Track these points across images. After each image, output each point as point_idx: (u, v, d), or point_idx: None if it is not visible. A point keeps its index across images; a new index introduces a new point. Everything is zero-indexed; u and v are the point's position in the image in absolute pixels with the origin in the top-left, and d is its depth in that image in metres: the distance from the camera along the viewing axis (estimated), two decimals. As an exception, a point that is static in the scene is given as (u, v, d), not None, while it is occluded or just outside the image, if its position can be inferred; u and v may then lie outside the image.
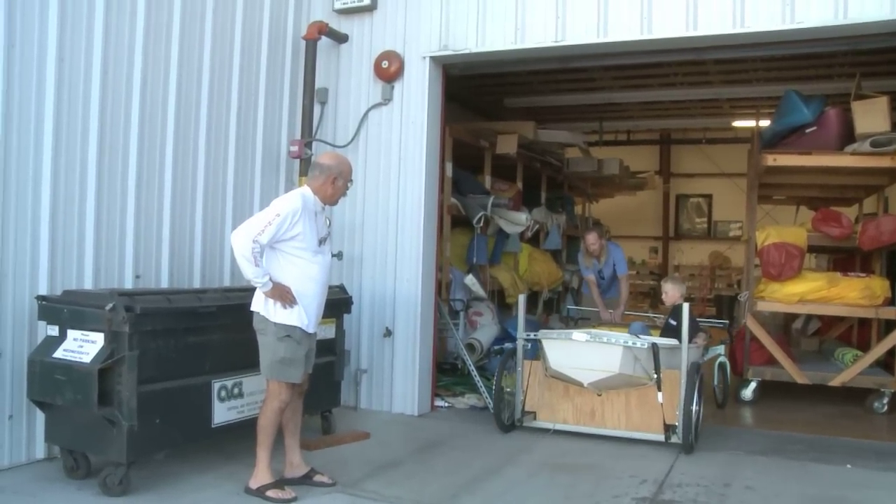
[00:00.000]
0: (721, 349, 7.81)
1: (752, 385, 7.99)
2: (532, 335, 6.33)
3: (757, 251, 7.91)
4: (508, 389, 6.39)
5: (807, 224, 8.22)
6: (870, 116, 7.26)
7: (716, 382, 7.71)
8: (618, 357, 5.73)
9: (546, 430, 6.25)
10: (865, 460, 5.78)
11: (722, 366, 7.80)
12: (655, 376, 5.82)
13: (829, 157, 7.57)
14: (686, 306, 6.01)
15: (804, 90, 8.18)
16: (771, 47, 6.93)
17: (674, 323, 6.31)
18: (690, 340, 6.15)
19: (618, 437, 6.07)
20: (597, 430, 6.14)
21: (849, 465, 5.65)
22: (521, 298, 6.65)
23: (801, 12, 5.87)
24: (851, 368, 7.70)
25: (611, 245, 8.89)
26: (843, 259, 10.34)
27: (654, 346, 5.79)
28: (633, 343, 5.74)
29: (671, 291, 6.93)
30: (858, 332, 9.56)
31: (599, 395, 6.11)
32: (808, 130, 7.67)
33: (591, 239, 8.60)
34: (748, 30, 6.07)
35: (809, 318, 10.14)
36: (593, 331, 6.40)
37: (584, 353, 5.87)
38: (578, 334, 6.00)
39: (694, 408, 5.85)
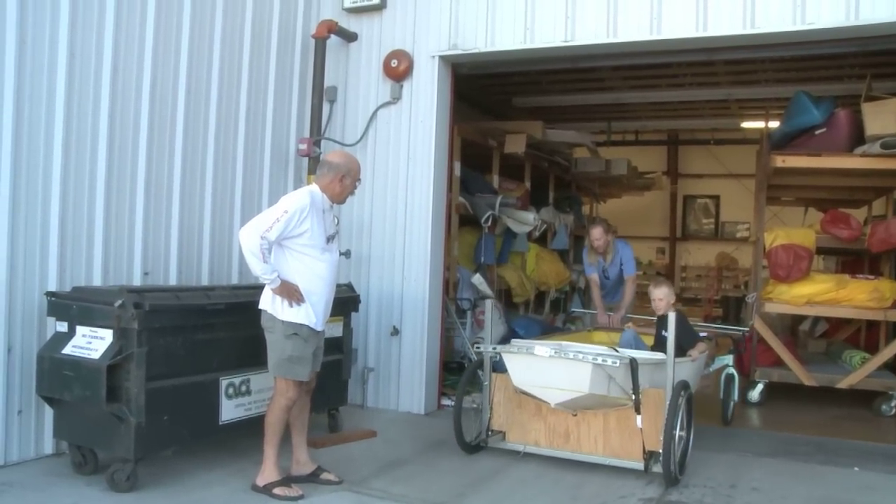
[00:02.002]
0: (728, 359, 7.06)
1: (760, 386, 7.97)
2: (492, 348, 5.49)
3: (765, 252, 7.89)
4: (475, 405, 5.80)
5: (815, 226, 8.19)
6: (880, 118, 7.23)
7: (721, 396, 6.92)
8: (587, 375, 4.81)
9: (516, 453, 5.58)
10: (873, 463, 5.76)
11: (729, 378, 6.97)
12: (634, 397, 4.97)
13: (839, 158, 7.55)
14: (673, 316, 5.20)
15: (814, 91, 8.16)
16: (781, 48, 6.93)
17: (667, 334, 5.42)
18: (684, 353, 5.67)
19: (594, 463, 5.35)
20: (571, 455, 5.41)
21: (856, 468, 5.62)
22: (489, 304, 6.04)
23: (812, 13, 5.86)
24: (859, 371, 7.68)
25: (619, 243, 8.03)
26: (852, 261, 10.32)
27: (633, 362, 4.94)
28: (604, 360, 4.75)
29: (663, 297, 6.11)
30: (866, 335, 9.52)
31: (574, 415, 5.37)
32: (817, 132, 7.65)
33: (597, 234, 7.77)
34: (758, 31, 6.06)
35: (817, 319, 10.11)
36: (565, 342, 5.57)
37: (549, 370, 4.97)
38: (541, 348, 5.01)
39: (678, 433, 4.97)
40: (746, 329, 7.66)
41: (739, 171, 18.20)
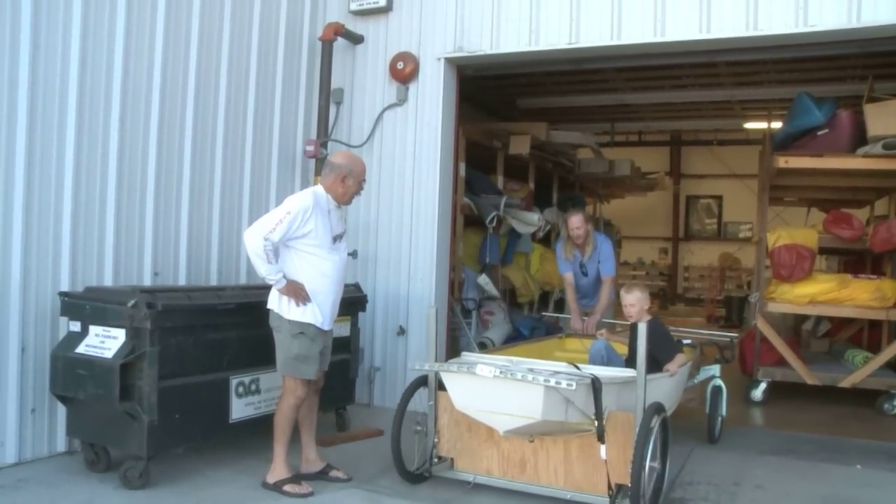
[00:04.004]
0: (715, 369, 6.35)
1: (762, 386, 8.02)
2: (425, 366, 4.70)
3: (768, 252, 7.93)
4: (419, 428, 4.95)
5: (818, 226, 8.25)
6: (882, 119, 7.27)
7: (707, 410, 6.22)
8: (538, 399, 4.06)
9: (466, 483, 4.86)
10: (876, 461, 5.81)
11: (716, 391, 6.27)
12: (597, 423, 4.25)
13: (841, 159, 7.59)
14: (643, 327, 4.39)
15: (816, 92, 8.20)
16: (783, 50, 6.97)
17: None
18: (661, 367, 5.14)
19: (553, 497, 4.64)
20: (527, 487, 4.71)
21: (859, 466, 5.68)
22: (432, 313, 5.16)
23: (814, 16, 5.90)
24: (862, 370, 7.72)
25: (599, 236, 7.16)
26: (854, 261, 10.36)
27: (595, 383, 4.23)
28: (558, 382, 3.93)
29: (634, 303, 5.40)
30: (869, 334, 9.57)
31: (531, 442, 4.64)
32: (819, 133, 7.69)
33: (576, 221, 6.91)
34: (761, 33, 6.10)
35: (819, 319, 10.16)
36: (517, 359, 4.82)
37: (495, 393, 4.21)
38: (484, 367, 4.16)
39: (648, 464, 4.16)
40: (735, 336, 6.91)
41: (742, 172, 18.31)
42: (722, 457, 5.78)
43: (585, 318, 6.89)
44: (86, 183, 5.34)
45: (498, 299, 9.09)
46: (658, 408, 4.38)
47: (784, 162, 7.65)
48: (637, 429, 4.21)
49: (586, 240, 6.94)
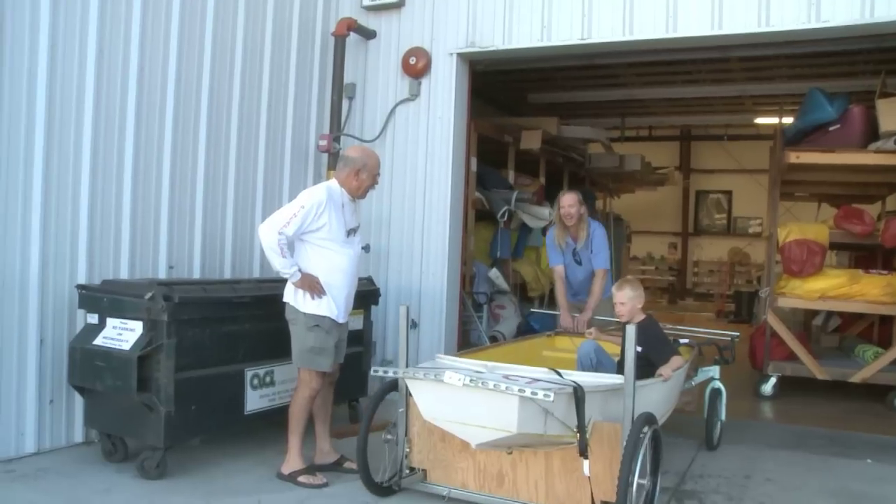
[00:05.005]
0: (715, 370, 5.96)
1: (772, 380, 8.04)
2: (390, 371, 4.23)
3: (778, 247, 7.95)
4: (389, 437, 4.55)
5: (829, 221, 8.25)
6: (894, 114, 7.28)
7: (706, 415, 5.85)
8: (513, 411, 3.64)
9: (439, 497, 4.51)
10: (886, 456, 5.83)
11: (715, 393, 5.89)
12: (579, 436, 3.85)
13: (853, 154, 7.59)
14: (632, 330, 3.93)
15: (828, 87, 8.20)
16: (796, 45, 6.98)
17: (638, 349, 4.09)
18: (654, 371, 4.77)
19: None
20: (505, 503, 4.36)
21: (869, 461, 5.70)
22: (403, 310, 4.73)
23: (827, 12, 5.90)
24: (872, 365, 7.73)
25: (594, 223, 6.63)
26: (865, 256, 10.34)
27: (578, 392, 3.80)
28: (535, 393, 3.51)
29: (625, 301, 5.00)
30: (879, 329, 9.55)
31: (509, 453, 4.28)
32: (831, 128, 7.69)
33: (568, 199, 6.39)
34: (773, 29, 6.11)
35: (830, 314, 10.16)
36: (491, 363, 4.29)
37: (466, 403, 3.77)
38: (453, 374, 3.72)
39: (637, 481, 3.70)
40: (737, 335, 6.38)
41: (752, 167, 18.26)
42: (732, 450, 5.80)
43: (576, 314, 6.44)
44: (102, 178, 5.40)
45: (509, 293, 9.13)
46: (648, 418, 3.95)
47: (795, 157, 7.66)
48: (624, 442, 3.80)
49: (579, 224, 6.42)
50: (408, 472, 4.57)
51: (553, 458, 4.20)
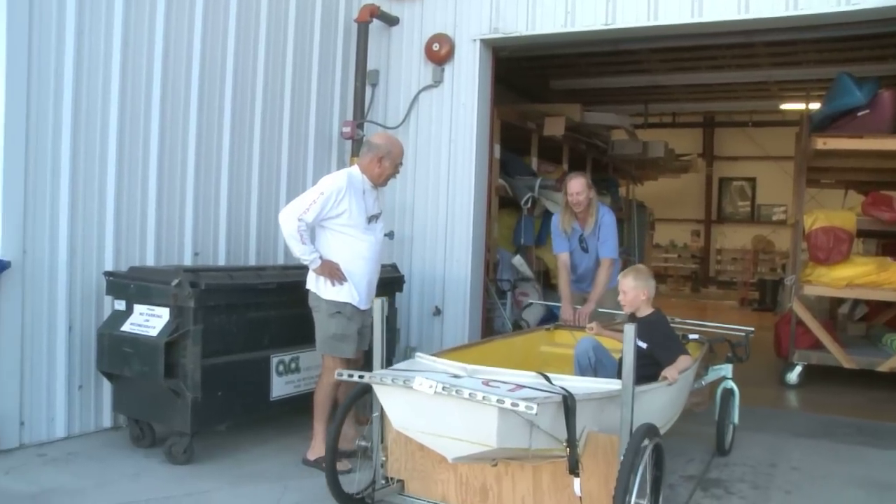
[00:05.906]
0: (727, 369, 5.41)
1: (798, 369, 7.98)
2: (355, 376, 3.57)
3: (804, 235, 7.87)
4: (364, 443, 4.15)
5: (856, 208, 8.16)
6: (925, 99, 7.18)
7: (717, 417, 5.33)
8: (492, 423, 3.12)
9: None
10: (914, 445, 5.79)
11: (727, 394, 5.37)
12: (568, 450, 3.30)
13: (882, 140, 7.48)
14: (631, 329, 3.40)
15: (856, 72, 8.08)
16: (822, 29, 6.88)
17: (643, 345, 3.94)
18: (659, 372, 4.25)
19: None
20: None
21: (897, 450, 5.66)
22: (378, 303, 4.13)
23: (856, -6, 5.83)
24: (900, 354, 7.65)
25: (603, 208, 6.19)
26: (894, 244, 10.23)
27: (568, 401, 3.25)
28: (516, 404, 2.97)
29: (627, 291, 4.51)
30: (907, 318, 9.47)
31: (494, 465, 3.75)
32: (860, 113, 7.58)
33: (576, 185, 5.91)
34: (801, 12, 6.03)
35: (857, 302, 10.05)
36: (471, 367, 3.73)
37: (440, 414, 3.27)
38: (423, 381, 3.18)
39: (635, 501, 3.22)
40: (751, 330, 5.62)
41: (776, 154, 18.10)
42: (757, 439, 5.76)
43: (579, 307, 5.96)
44: (128, 166, 5.44)
45: (532, 280, 9.10)
46: (649, 430, 3.46)
47: (822, 143, 7.57)
48: (621, 456, 3.34)
49: (588, 210, 6.01)
50: (383, 482, 4.08)
51: (542, 472, 3.69)
